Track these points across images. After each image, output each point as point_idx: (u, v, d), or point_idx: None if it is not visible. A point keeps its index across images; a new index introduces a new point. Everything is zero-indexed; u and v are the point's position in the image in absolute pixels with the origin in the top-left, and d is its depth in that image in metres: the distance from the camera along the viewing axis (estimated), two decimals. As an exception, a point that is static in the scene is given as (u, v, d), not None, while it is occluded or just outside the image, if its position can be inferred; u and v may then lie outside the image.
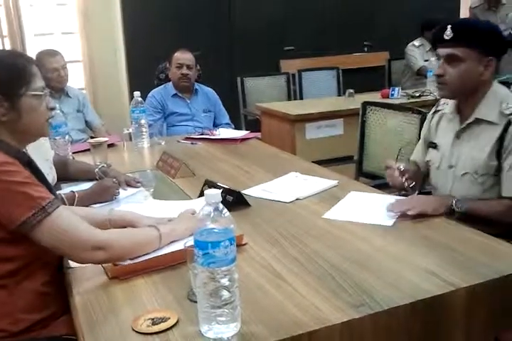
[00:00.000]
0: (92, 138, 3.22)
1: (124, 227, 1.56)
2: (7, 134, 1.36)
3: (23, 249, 1.30)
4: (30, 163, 1.42)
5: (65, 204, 1.79)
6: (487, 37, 1.81)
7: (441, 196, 1.81)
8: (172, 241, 1.47)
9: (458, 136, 1.90)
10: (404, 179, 1.84)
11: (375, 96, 4.05)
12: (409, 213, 1.67)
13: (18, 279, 1.32)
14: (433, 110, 2.09)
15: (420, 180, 2.10)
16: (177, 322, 1.12)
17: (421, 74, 4.98)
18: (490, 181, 1.83)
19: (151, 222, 1.56)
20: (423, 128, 2.14)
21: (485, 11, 6.02)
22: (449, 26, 1.79)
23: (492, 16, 5.94)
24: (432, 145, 2.03)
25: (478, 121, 1.85)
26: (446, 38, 1.80)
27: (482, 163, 1.82)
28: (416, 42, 5.19)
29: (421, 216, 1.67)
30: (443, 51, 1.83)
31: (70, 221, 1.30)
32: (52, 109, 1.46)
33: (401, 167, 1.88)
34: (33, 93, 1.37)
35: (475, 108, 1.85)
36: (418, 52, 5.16)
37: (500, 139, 1.79)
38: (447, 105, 1.99)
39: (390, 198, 1.85)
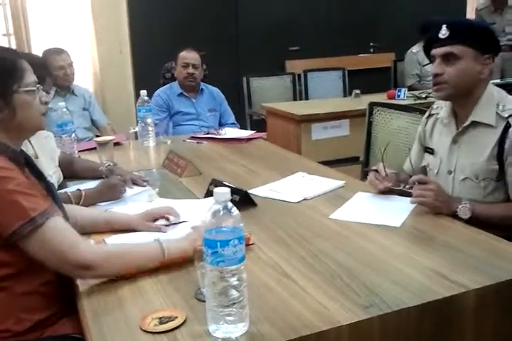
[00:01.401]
0: (97, 136, 3.22)
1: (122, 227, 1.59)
2: (3, 133, 1.33)
3: (19, 254, 1.27)
4: (28, 162, 1.40)
5: (72, 202, 1.79)
6: (482, 35, 1.79)
7: (453, 198, 1.77)
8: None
9: (455, 140, 1.87)
10: (402, 186, 1.81)
11: (380, 97, 4.05)
12: (410, 200, 1.70)
13: (17, 281, 1.30)
14: (427, 114, 2.05)
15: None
16: (184, 321, 1.11)
17: (413, 89, 4.88)
18: (491, 186, 1.80)
19: (146, 222, 1.59)
20: (417, 134, 2.09)
21: (491, 12, 6.01)
22: (444, 25, 1.77)
23: (498, 18, 5.93)
24: (429, 150, 1.99)
25: (475, 124, 1.82)
26: (441, 37, 1.78)
27: (482, 167, 1.79)
28: (414, 49, 5.13)
29: (426, 214, 1.68)
30: (439, 50, 1.80)
31: (58, 235, 1.25)
32: (46, 103, 1.42)
33: (388, 172, 1.86)
34: (26, 89, 1.33)
35: (471, 110, 1.82)
36: (416, 59, 5.09)
37: (500, 142, 1.75)
38: (441, 109, 1.96)
39: (398, 199, 1.84)
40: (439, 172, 1.93)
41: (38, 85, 1.38)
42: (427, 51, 1.88)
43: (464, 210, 1.68)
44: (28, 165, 1.39)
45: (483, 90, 1.81)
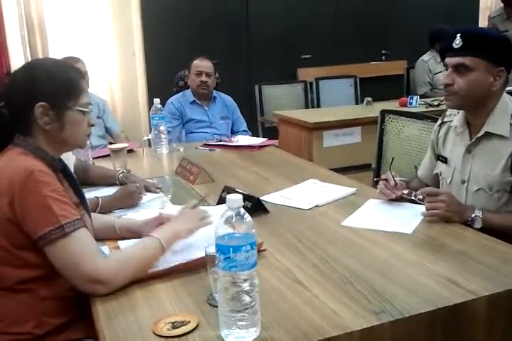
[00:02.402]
0: (111, 144, 3.25)
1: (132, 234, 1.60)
2: (46, 143, 1.39)
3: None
4: (65, 170, 1.45)
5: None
6: (497, 46, 1.75)
7: (465, 206, 1.77)
8: (190, 247, 1.48)
9: (469, 150, 1.85)
10: (413, 195, 1.80)
11: (393, 105, 4.05)
12: (423, 212, 1.70)
13: (43, 284, 1.33)
14: (439, 122, 2.03)
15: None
16: (197, 326, 1.13)
17: (425, 97, 4.83)
18: (505, 197, 1.78)
19: (152, 225, 1.59)
20: (430, 141, 2.08)
21: (504, 20, 5.99)
22: (459, 35, 1.74)
23: (511, 26, 5.92)
24: (442, 159, 1.97)
25: (488, 135, 1.79)
26: (455, 46, 1.75)
27: (496, 179, 1.78)
28: (425, 57, 5.12)
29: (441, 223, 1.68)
30: (451, 60, 1.77)
31: (81, 248, 1.28)
32: (93, 125, 1.48)
33: (398, 181, 1.86)
34: (80, 108, 1.40)
35: (484, 121, 1.80)
36: (427, 68, 5.08)
37: None
38: (454, 116, 1.94)
39: (409, 206, 1.85)
40: (452, 182, 1.92)
41: (90, 107, 1.45)
42: (443, 59, 1.86)
43: (476, 219, 1.68)
44: (63, 171, 1.44)
45: (496, 101, 1.79)
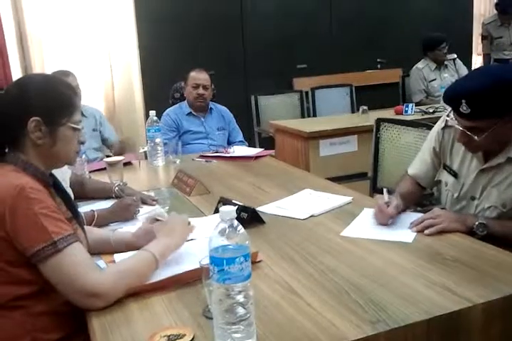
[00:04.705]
0: (107, 156, 3.25)
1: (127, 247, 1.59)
2: (37, 158, 1.39)
3: (41, 274, 1.30)
4: (56, 185, 1.46)
5: (85, 223, 1.81)
6: (505, 100, 1.64)
7: (464, 214, 1.76)
8: (185, 257, 1.48)
9: (482, 170, 1.82)
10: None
11: (388, 113, 4.06)
12: (426, 232, 1.67)
13: (36, 300, 1.33)
14: (442, 125, 1.93)
15: (416, 199, 2.06)
16: (193, 339, 1.13)
17: (421, 105, 4.82)
18: None
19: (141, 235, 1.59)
20: (429, 142, 2.00)
21: (497, 27, 6.06)
22: (464, 101, 1.64)
23: (505, 32, 5.98)
24: (449, 170, 1.93)
25: (509, 160, 1.76)
26: (463, 112, 1.66)
27: (511, 197, 1.76)
28: (420, 65, 5.13)
29: (438, 233, 1.67)
30: (463, 122, 1.71)
31: (74, 263, 1.28)
32: (82, 143, 1.49)
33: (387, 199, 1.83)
34: (72, 125, 1.41)
35: (505, 146, 1.75)
36: (422, 75, 5.09)
37: None
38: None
39: (405, 214, 1.85)
40: (460, 197, 1.89)
41: (82, 125, 1.46)
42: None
43: (480, 226, 1.68)
44: (54, 186, 1.44)
45: None
